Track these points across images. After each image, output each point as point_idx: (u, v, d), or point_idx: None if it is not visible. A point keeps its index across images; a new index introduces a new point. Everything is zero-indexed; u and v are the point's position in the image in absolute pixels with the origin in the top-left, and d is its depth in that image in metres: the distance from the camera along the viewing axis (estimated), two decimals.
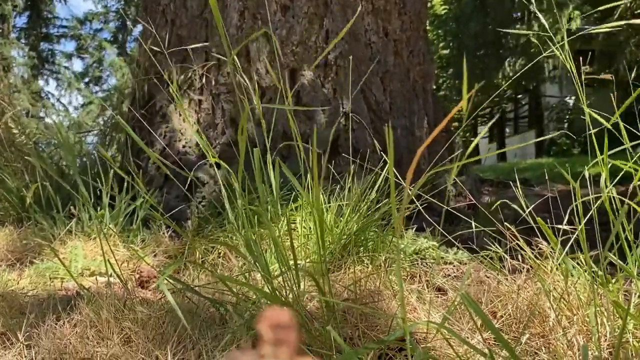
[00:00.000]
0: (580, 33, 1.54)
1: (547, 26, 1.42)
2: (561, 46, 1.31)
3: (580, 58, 1.68)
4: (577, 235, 1.18)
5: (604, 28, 1.26)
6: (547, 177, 4.93)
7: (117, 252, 2.28)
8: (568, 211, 1.27)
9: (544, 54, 1.41)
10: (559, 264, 1.27)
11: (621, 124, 1.23)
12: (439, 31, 18.89)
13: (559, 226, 1.30)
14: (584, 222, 1.17)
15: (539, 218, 1.26)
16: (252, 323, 1.19)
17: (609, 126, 1.21)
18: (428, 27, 11.73)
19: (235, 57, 1.53)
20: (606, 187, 1.16)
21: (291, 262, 1.20)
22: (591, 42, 14.75)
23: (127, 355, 1.09)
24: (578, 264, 1.29)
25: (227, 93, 3.38)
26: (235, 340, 1.08)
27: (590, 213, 1.21)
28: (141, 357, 1.08)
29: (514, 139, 20.86)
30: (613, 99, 1.43)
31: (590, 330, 1.09)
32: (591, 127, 1.25)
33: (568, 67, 1.28)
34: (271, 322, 0.24)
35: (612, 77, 1.43)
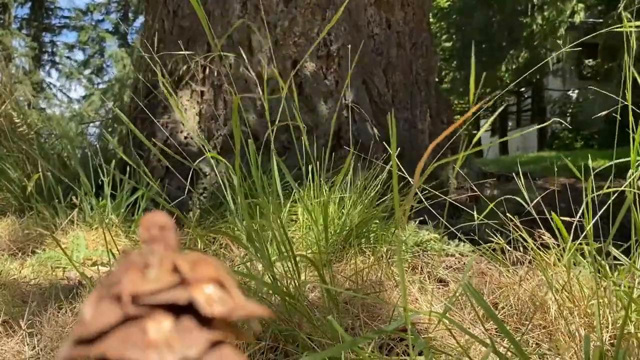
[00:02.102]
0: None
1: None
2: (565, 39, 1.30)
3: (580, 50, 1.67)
4: (578, 226, 1.17)
5: None
6: (549, 170, 4.92)
7: (118, 242, 2.29)
8: (583, 205, 1.26)
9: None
10: (562, 256, 1.27)
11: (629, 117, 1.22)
12: (442, 23, 18.79)
13: (564, 218, 1.29)
14: (588, 214, 1.17)
15: (549, 210, 1.25)
16: None
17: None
18: (431, 20, 11.65)
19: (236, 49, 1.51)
20: (612, 180, 1.16)
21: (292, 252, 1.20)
22: (595, 36, 14.66)
23: None
24: (581, 255, 1.29)
25: (229, 84, 3.37)
26: None
27: (593, 205, 1.20)
28: None
29: (516, 132, 20.80)
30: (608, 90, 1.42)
31: (592, 321, 1.09)
32: (588, 120, 1.24)
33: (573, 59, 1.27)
34: (149, 223, 0.25)
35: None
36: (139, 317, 0.22)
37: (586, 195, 1.19)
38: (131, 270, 0.23)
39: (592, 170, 1.30)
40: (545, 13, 14.41)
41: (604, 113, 1.39)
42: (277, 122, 3.04)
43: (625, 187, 1.15)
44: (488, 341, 0.95)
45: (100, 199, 2.60)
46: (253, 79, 3.36)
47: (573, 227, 1.28)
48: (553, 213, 1.23)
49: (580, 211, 1.26)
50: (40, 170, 2.66)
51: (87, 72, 19.61)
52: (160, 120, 3.40)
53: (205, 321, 0.23)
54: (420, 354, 1.02)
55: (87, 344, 0.22)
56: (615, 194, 1.17)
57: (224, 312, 0.23)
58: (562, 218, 1.29)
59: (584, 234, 1.24)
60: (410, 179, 1.39)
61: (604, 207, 1.19)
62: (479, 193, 1.95)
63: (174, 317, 0.23)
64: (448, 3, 18.26)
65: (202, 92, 3.41)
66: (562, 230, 1.25)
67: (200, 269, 0.24)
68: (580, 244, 1.28)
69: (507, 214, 1.43)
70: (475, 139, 1.05)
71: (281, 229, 1.24)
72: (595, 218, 1.16)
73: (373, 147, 3.13)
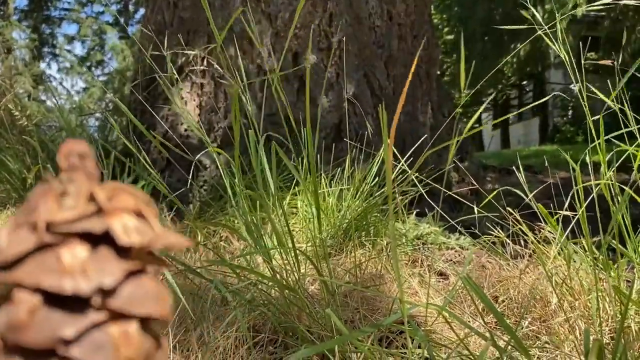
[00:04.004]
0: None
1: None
2: (562, 33, 1.30)
3: (580, 44, 1.66)
4: (579, 220, 1.17)
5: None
6: (551, 164, 4.90)
7: None
8: (569, 197, 1.26)
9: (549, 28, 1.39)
10: (561, 249, 1.27)
11: (625, 110, 1.21)
12: (444, 16, 18.69)
13: (561, 212, 1.29)
14: (586, 207, 1.17)
15: (540, 204, 1.25)
16: (253, 305, 1.20)
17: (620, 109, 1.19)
18: (432, 12, 11.57)
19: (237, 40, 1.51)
20: (605, 173, 1.15)
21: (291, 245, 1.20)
22: (597, 28, 14.58)
23: None
24: (583, 248, 1.29)
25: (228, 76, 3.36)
26: (237, 321, 1.09)
27: (591, 199, 1.20)
28: None
29: (517, 126, 20.76)
30: (610, 84, 1.41)
31: (591, 315, 1.09)
32: (591, 114, 1.23)
33: (562, 56, 1.27)
34: (68, 151, 0.24)
35: (612, 62, 1.40)
36: (54, 245, 0.22)
37: (577, 190, 1.19)
38: (48, 198, 0.23)
39: (590, 165, 1.30)
40: (547, 6, 14.33)
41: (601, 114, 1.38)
42: (277, 114, 3.03)
43: (602, 181, 1.15)
44: (487, 334, 0.95)
45: None
46: (253, 71, 3.35)
47: (558, 219, 1.28)
48: (540, 205, 1.23)
49: (567, 203, 1.26)
50: (40, 162, 2.65)
51: (87, 64, 19.54)
52: (160, 113, 3.39)
53: (123, 251, 0.23)
54: (419, 346, 1.02)
55: (4, 270, 0.22)
56: (598, 187, 1.17)
57: (142, 242, 0.23)
58: (559, 212, 1.29)
59: (571, 226, 1.24)
60: (408, 170, 1.39)
61: (588, 200, 1.18)
62: (478, 187, 1.95)
63: (90, 246, 0.22)
64: None
65: (202, 85, 3.40)
66: (552, 222, 1.24)
67: (118, 198, 0.24)
68: (577, 236, 1.28)
69: (508, 208, 1.43)
70: (469, 125, 1.05)
71: (283, 220, 1.24)
72: (581, 210, 1.16)
73: (374, 140, 3.13)
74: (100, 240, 0.23)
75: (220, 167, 1.48)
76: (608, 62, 1.32)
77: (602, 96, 1.21)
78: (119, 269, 0.22)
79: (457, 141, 1.12)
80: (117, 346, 0.22)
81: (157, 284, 0.23)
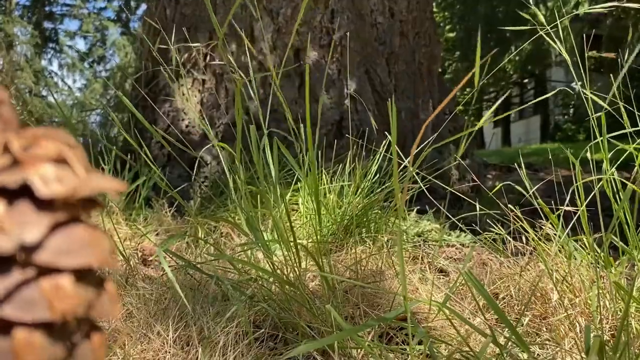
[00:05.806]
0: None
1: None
2: (564, 31, 1.29)
3: (585, 38, 1.65)
4: (579, 217, 1.17)
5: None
6: (552, 161, 4.90)
7: (119, 229, 2.29)
8: (569, 193, 1.26)
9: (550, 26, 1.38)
10: (562, 246, 1.27)
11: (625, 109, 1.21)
12: (446, 13, 18.66)
13: (562, 207, 1.29)
14: (587, 205, 1.17)
15: (541, 200, 1.25)
16: (253, 300, 1.20)
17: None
18: (434, 9, 11.56)
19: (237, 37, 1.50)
20: (607, 169, 1.15)
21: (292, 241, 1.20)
22: (598, 27, 14.54)
23: (128, 330, 1.10)
24: (581, 246, 1.29)
25: (230, 73, 3.35)
26: (237, 316, 1.09)
27: (592, 196, 1.20)
28: (143, 332, 1.09)
29: (518, 124, 20.74)
30: (613, 82, 1.40)
31: (592, 312, 1.09)
32: (594, 112, 1.23)
33: (564, 54, 1.26)
34: None
35: (615, 55, 1.40)
36: None
37: (577, 187, 1.19)
38: None
39: (592, 162, 1.30)
40: (549, 4, 14.30)
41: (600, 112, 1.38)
42: (277, 112, 3.02)
43: (604, 176, 1.15)
44: (488, 331, 0.95)
45: None
46: (255, 67, 3.34)
47: (559, 216, 1.28)
48: (541, 202, 1.23)
49: (567, 200, 1.26)
50: None
51: (89, 60, 19.49)
52: (161, 109, 3.39)
53: (45, 203, 0.22)
54: (419, 343, 1.02)
55: None
56: (600, 183, 1.17)
57: (65, 191, 0.22)
58: (560, 207, 1.28)
59: (572, 223, 1.24)
60: (408, 165, 1.39)
61: (590, 196, 1.18)
62: (479, 184, 1.95)
63: (7, 201, 0.21)
64: None
65: (203, 81, 3.40)
66: (553, 219, 1.24)
67: (37, 146, 0.22)
68: (578, 234, 1.27)
69: (509, 205, 1.43)
70: (477, 126, 1.05)
71: (285, 215, 1.23)
72: (582, 207, 1.16)
73: (374, 137, 3.12)
74: (20, 193, 0.21)
75: (223, 161, 1.48)
76: (611, 55, 1.31)
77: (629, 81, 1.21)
78: (42, 222, 0.21)
79: (467, 137, 1.12)
80: (50, 301, 0.21)
81: (92, 231, 0.22)
